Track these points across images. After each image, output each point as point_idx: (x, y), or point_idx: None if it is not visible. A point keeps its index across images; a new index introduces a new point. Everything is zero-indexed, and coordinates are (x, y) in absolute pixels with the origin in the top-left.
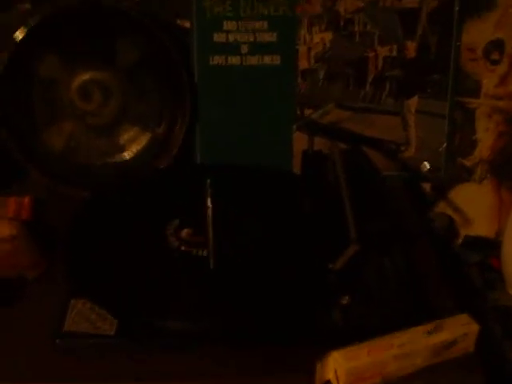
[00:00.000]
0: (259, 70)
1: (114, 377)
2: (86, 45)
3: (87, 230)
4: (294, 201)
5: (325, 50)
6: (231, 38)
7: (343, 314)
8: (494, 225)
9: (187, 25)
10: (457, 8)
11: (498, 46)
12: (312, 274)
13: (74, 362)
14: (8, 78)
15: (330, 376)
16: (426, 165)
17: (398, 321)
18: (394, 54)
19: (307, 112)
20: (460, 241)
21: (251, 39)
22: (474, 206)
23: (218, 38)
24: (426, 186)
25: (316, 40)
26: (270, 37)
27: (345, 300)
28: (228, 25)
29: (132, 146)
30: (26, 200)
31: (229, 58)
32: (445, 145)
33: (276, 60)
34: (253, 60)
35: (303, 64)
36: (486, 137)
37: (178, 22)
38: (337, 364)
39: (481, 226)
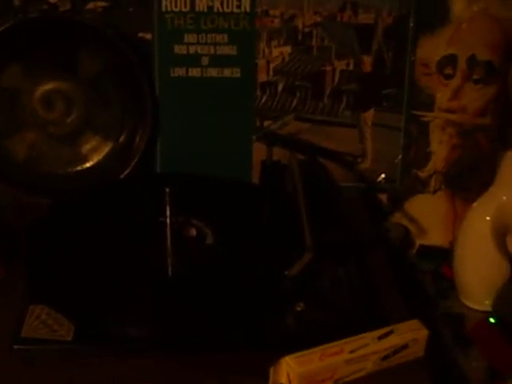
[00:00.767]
0: (219, 82)
1: (70, 382)
2: (49, 55)
3: (47, 237)
4: (252, 210)
5: (283, 64)
6: (192, 50)
7: (297, 321)
8: (448, 235)
9: (149, 37)
10: (411, 24)
11: (451, 60)
12: (267, 280)
13: (32, 368)
14: None
15: (283, 380)
16: (382, 176)
17: (350, 327)
18: (351, 68)
19: (267, 123)
20: (415, 250)
21: (212, 52)
22: (428, 217)
23: (179, 50)
24: (383, 197)
25: (275, 54)
26: (230, 50)
27: (299, 307)
28: (189, 37)
29: (94, 155)
30: None
31: (189, 70)
32: (400, 157)
33: (236, 72)
34: (213, 72)
35: (262, 77)
36: (440, 149)
37: (140, 34)
38: (289, 368)
39: (435, 236)
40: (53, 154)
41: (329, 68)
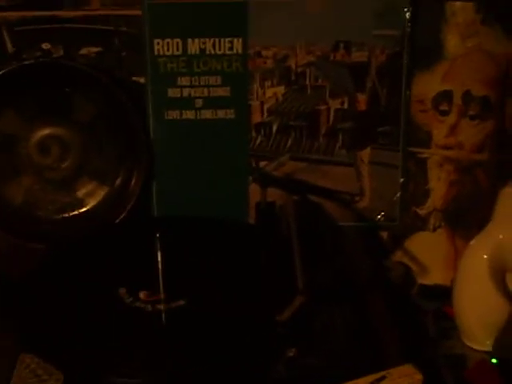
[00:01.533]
0: (214, 123)
1: None
2: (44, 100)
3: (39, 284)
4: (247, 252)
5: (278, 104)
6: (185, 93)
7: (289, 366)
8: (450, 273)
9: (142, 80)
10: (405, 61)
11: (446, 96)
12: (259, 326)
13: None
14: None
15: None
16: (381, 213)
17: (344, 372)
18: (346, 106)
19: (262, 164)
20: (416, 289)
21: (205, 94)
22: (429, 255)
23: (173, 93)
24: (384, 235)
25: (269, 94)
26: (223, 91)
27: (291, 352)
28: (182, 80)
29: (90, 199)
30: None
31: (183, 113)
32: (399, 194)
33: (230, 114)
34: (207, 114)
35: (257, 117)
36: (438, 186)
37: (134, 78)
38: None
39: (437, 274)
40: (49, 198)
41: (323, 107)
